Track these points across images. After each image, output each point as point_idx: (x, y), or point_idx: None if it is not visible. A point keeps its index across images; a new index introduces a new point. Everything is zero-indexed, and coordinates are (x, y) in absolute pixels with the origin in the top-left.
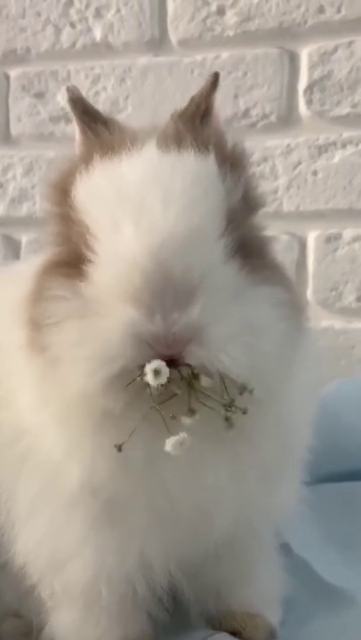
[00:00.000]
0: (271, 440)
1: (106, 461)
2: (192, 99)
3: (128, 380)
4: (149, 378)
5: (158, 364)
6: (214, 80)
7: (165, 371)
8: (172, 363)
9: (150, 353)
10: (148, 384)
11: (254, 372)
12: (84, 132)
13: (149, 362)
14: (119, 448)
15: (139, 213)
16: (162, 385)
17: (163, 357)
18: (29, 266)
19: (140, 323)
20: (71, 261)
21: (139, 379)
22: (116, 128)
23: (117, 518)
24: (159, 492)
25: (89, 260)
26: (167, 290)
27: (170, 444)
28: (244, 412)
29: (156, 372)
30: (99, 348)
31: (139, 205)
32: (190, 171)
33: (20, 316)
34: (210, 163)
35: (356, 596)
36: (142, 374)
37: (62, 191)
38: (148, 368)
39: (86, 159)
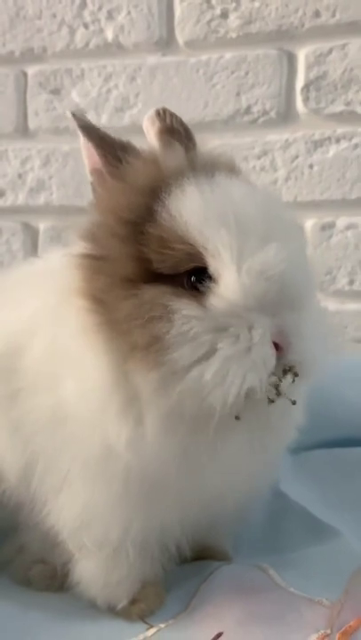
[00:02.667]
0: (290, 423)
1: (166, 453)
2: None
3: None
4: (287, 379)
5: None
6: None
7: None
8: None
9: (277, 354)
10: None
11: (317, 367)
12: (104, 156)
13: (285, 363)
14: (237, 417)
15: (263, 235)
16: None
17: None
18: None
19: (274, 329)
20: (177, 281)
21: (275, 379)
22: (136, 152)
23: (149, 495)
24: (195, 478)
25: (210, 278)
26: (286, 299)
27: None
28: (294, 403)
29: (285, 372)
30: (260, 356)
31: (260, 227)
32: (270, 193)
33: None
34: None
35: (340, 530)
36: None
37: (143, 214)
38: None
39: (151, 182)
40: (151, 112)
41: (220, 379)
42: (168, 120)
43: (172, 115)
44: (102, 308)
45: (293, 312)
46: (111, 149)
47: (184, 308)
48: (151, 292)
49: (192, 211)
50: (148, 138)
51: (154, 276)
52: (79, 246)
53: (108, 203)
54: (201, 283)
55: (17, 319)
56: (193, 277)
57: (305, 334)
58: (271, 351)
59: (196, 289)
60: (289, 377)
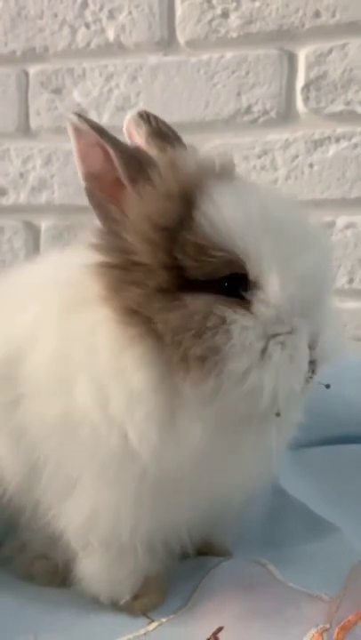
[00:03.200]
0: (296, 417)
1: (182, 454)
2: None
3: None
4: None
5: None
6: None
7: None
8: None
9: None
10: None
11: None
12: (124, 161)
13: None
14: (278, 414)
15: (301, 241)
16: None
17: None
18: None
19: (312, 333)
20: (213, 288)
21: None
22: (150, 157)
23: (162, 496)
24: (212, 479)
25: (249, 284)
26: (319, 301)
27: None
28: (328, 387)
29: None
30: (303, 360)
31: (297, 232)
32: (289, 196)
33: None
34: None
35: (339, 527)
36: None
37: (177, 220)
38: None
39: (187, 186)
40: (133, 114)
41: (274, 384)
42: (154, 123)
43: (156, 117)
44: (139, 320)
45: (321, 311)
46: (130, 152)
47: (240, 319)
48: (198, 302)
49: (233, 218)
50: (132, 140)
51: (187, 284)
52: (92, 256)
53: (140, 209)
54: (239, 289)
55: (17, 326)
56: (226, 283)
57: (328, 332)
58: (308, 354)
59: (239, 296)
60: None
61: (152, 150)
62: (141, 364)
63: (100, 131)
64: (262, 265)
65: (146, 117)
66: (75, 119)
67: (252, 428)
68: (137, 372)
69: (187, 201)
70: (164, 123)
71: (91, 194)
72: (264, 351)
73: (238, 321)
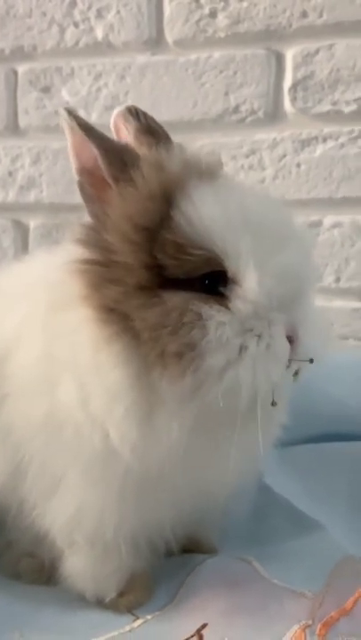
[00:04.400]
0: (280, 418)
1: (162, 452)
2: None
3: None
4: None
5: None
6: None
7: None
8: None
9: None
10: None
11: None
12: (107, 159)
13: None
14: (273, 403)
15: (279, 238)
16: None
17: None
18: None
19: (288, 325)
20: (192, 286)
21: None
22: (136, 155)
23: (145, 494)
24: (191, 476)
25: (228, 281)
26: (299, 296)
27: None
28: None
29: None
30: (281, 348)
31: (276, 230)
32: (271, 194)
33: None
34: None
35: (324, 524)
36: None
37: (158, 220)
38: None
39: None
40: (122, 109)
41: (252, 377)
42: (143, 119)
43: (145, 114)
44: (117, 318)
45: (300, 307)
46: (115, 151)
47: (216, 314)
48: (176, 299)
49: (211, 217)
50: (119, 135)
51: (166, 282)
52: (77, 251)
53: (122, 209)
54: (218, 286)
55: (5, 326)
56: (207, 281)
57: (309, 327)
58: (286, 344)
59: (218, 293)
60: (295, 366)
61: (141, 147)
62: (118, 361)
63: (86, 128)
64: (240, 262)
65: (135, 113)
66: (64, 115)
67: (234, 426)
68: (114, 370)
69: (168, 201)
70: (153, 119)
71: (82, 188)
72: (242, 347)
73: (214, 317)
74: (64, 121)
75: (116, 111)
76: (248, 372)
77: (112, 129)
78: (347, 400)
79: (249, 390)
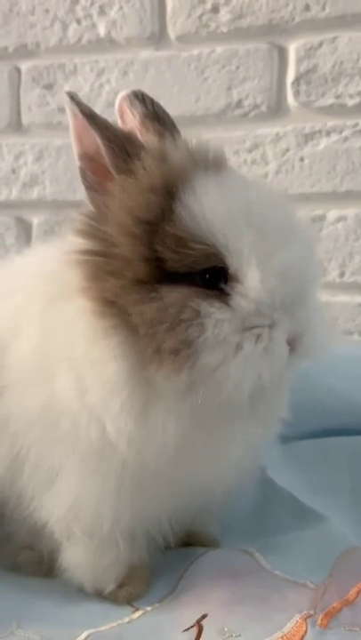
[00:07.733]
0: (278, 413)
1: (158, 446)
2: None
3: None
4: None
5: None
6: None
7: None
8: None
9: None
10: None
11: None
12: (110, 148)
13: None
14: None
15: (283, 235)
16: None
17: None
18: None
19: (292, 327)
20: (190, 281)
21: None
22: (140, 144)
23: (143, 487)
24: (187, 470)
25: (228, 278)
26: (303, 296)
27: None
28: None
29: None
30: (278, 353)
31: (280, 227)
32: (276, 189)
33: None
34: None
35: (326, 516)
36: None
37: (159, 213)
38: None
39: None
40: (128, 92)
41: (242, 374)
42: (150, 105)
43: (152, 100)
44: (114, 311)
45: (306, 306)
46: (119, 141)
47: (215, 312)
48: (174, 295)
49: (214, 211)
50: (123, 118)
51: (165, 276)
52: (76, 242)
53: (122, 201)
54: (218, 282)
55: (2, 317)
56: (207, 276)
57: (313, 329)
58: (285, 349)
59: (218, 288)
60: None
61: (147, 132)
62: (115, 355)
63: (89, 116)
64: (242, 259)
65: (141, 97)
66: (67, 99)
67: (229, 421)
68: (110, 363)
69: (170, 193)
70: (159, 106)
71: (84, 174)
72: (238, 345)
73: (213, 314)
74: (66, 105)
75: (121, 94)
76: (238, 370)
77: (116, 112)
78: (350, 395)
79: (235, 386)
